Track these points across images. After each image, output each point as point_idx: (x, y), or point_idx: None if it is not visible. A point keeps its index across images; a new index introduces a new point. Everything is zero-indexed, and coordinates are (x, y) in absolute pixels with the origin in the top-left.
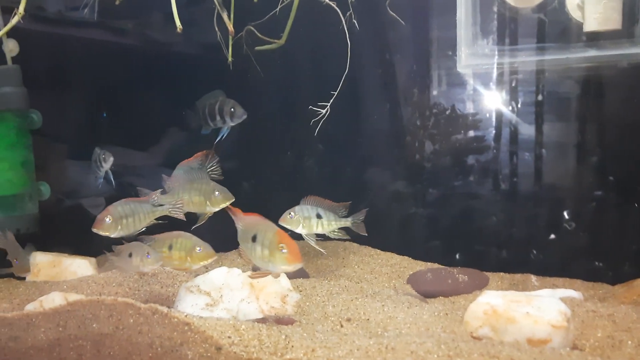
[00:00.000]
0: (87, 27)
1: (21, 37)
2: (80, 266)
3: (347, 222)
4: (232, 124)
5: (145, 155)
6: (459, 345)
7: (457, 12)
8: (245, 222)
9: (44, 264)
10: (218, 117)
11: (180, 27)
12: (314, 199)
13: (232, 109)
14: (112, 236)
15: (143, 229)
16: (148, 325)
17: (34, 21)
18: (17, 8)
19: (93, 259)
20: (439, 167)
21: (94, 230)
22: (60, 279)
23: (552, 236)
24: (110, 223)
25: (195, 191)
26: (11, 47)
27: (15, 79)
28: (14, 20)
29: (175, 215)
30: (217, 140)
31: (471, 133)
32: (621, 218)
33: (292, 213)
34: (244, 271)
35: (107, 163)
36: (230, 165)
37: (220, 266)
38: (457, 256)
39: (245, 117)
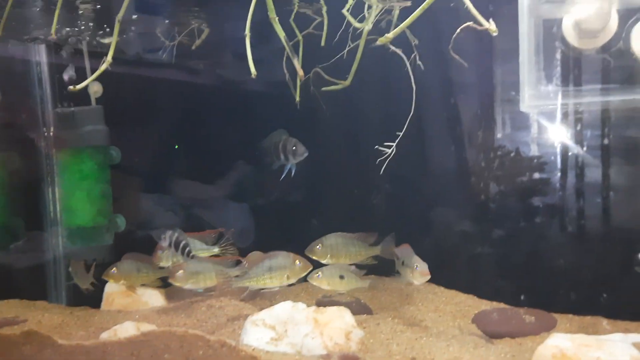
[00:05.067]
0: (164, 68)
1: (104, 78)
2: (151, 296)
3: (376, 250)
4: (295, 162)
5: (214, 188)
6: None
7: (520, 53)
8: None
9: (117, 293)
10: (282, 155)
11: (255, 73)
12: (340, 234)
13: (294, 148)
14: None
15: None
16: (216, 357)
17: (116, 64)
18: (106, 56)
19: (164, 290)
20: (504, 208)
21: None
22: (133, 308)
23: (624, 279)
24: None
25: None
26: (96, 89)
27: (98, 118)
28: (102, 67)
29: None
30: (282, 178)
31: (536, 174)
32: None
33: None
34: (308, 306)
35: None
36: (300, 201)
37: (285, 300)
38: (524, 296)
39: (306, 155)
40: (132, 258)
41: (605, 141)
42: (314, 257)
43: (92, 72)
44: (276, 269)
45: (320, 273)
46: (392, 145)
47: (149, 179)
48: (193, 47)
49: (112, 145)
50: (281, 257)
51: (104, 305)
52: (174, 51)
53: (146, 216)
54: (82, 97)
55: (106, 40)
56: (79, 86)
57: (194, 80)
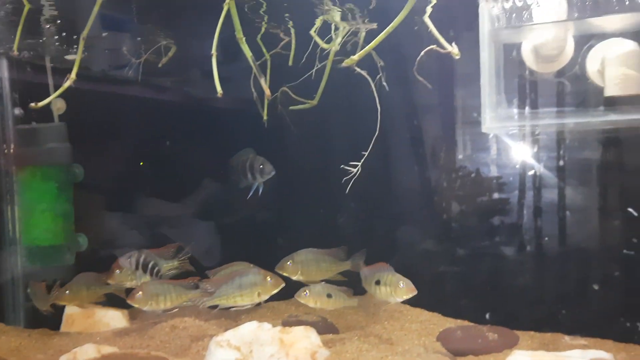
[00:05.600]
0: (130, 85)
1: (68, 95)
2: (113, 318)
3: (347, 265)
4: (262, 181)
5: (180, 206)
6: None
7: (481, 77)
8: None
9: (77, 314)
10: (249, 174)
11: (221, 92)
12: (310, 250)
13: (262, 166)
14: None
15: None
16: None
17: (81, 80)
18: (70, 73)
19: (126, 311)
20: (466, 227)
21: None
22: (94, 330)
23: (583, 295)
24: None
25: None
26: (59, 106)
27: (61, 135)
28: (66, 84)
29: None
30: (249, 196)
31: (496, 194)
32: None
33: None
34: (274, 326)
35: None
36: (266, 220)
37: (251, 320)
38: (488, 314)
39: (273, 173)
40: (83, 277)
41: (562, 162)
42: (284, 274)
43: (56, 88)
44: (247, 287)
45: (307, 291)
46: (358, 165)
47: (113, 197)
48: (160, 65)
49: (75, 163)
50: (252, 275)
51: (63, 327)
52: (140, 68)
53: (110, 235)
54: (45, 114)
55: (70, 57)
56: (41, 103)
57: (161, 98)
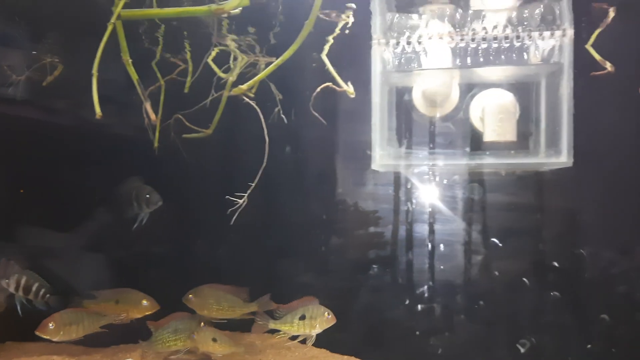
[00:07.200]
0: (10, 105)
1: None
2: None
3: (253, 307)
4: (149, 211)
5: (65, 236)
6: None
7: (372, 116)
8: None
9: None
10: (135, 204)
11: (100, 114)
12: (211, 287)
13: (148, 196)
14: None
15: None
16: None
17: None
18: None
19: None
20: (344, 259)
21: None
22: None
23: (453, 322)
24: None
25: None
26: None
27: None
28: None
29: None
30: (134, 226)
31: (372, 229)
32: None
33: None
34: None
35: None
36: (151, 250)
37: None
38: (374, 348)
39: (160, 203)
40: None
41: (444, 200)
42: (189, 306)
43: None
44: (182, 331)
45: (195, 334)
46: (244, 196)
47: None
48: (44, 84)
49: None
50: (187, 319)
51: None
52: (19, 87)
53: None
54: None
55: None
56: None
57: (44, 119)
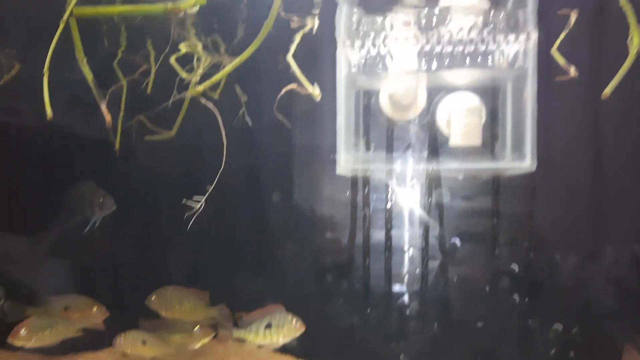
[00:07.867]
0: None
1: None
2: None
3: (213, 312)
4: (102, 215)
5: (21, 240)
6: None
7: (337, 120)
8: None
9: None
10: (88, 208)
11: (51, 114)
12: (174, 288)
13: (101, 200)
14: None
15: None
16: None
17: None
18: None
19: None
20: (299, 266)
21: None
22: None
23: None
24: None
25: None
26: None
27: None
28: None
29: None
30: (85, 230)
31: (329, 235)
32: None
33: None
34: None
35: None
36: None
37: None
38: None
39: (114, 208)
40: None
41: (413, 205)
42: (152, 308)
43: None
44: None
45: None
46: (202, 200)
47: None
48: (0, 83)
49: None
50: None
51: None
52: None
53: None
54: None
55: None
56: None
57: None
